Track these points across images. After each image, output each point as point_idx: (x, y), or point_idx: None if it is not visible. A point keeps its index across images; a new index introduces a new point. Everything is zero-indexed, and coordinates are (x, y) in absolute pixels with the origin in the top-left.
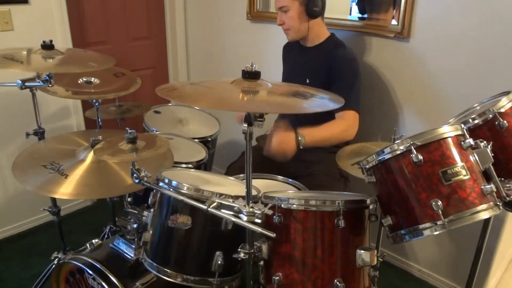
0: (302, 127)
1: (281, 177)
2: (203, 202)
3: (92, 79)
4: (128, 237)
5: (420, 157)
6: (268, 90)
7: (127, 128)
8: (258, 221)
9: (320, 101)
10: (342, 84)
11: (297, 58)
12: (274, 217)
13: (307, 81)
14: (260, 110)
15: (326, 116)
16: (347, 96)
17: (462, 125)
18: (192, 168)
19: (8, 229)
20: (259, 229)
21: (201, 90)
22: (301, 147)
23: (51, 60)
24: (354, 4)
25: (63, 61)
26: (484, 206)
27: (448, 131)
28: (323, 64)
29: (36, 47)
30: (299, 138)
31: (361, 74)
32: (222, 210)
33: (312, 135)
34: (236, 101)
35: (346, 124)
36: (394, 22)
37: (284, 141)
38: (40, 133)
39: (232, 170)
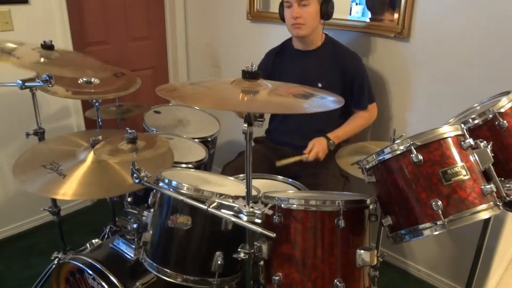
0: (328, 127)
1: (281, 177)
2: (203, 202)
3: (92, 79)
4: (128, 237)
5: (420, 157)
6: (268, 90)
7: (127, 128)
8: (258, 221)
9: (320, 101)
10: (362, 83)
11: (299, 63)
12: (274, 217)
13: (319, 85)
14: (260, 110)
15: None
16: (368, 92)
17: (462, 125)
18: (192, 168)
19: (8, 229)
20: (259, 229)
21: (201, 90)
22: (332, 148)
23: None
24: (354, 4)
25: (60, 64)
26: (484, 206)
27: (448, 131)
28: (334, 66)
29: (36, 47)
30: (330, 142)
31: None
32: (222, 210)
33: (339, 137)
34: (236, 101)
35: (369, 115)
36: (394, 22)
37: (321, 151)
38: (40, 133)
39: (228, 170)
